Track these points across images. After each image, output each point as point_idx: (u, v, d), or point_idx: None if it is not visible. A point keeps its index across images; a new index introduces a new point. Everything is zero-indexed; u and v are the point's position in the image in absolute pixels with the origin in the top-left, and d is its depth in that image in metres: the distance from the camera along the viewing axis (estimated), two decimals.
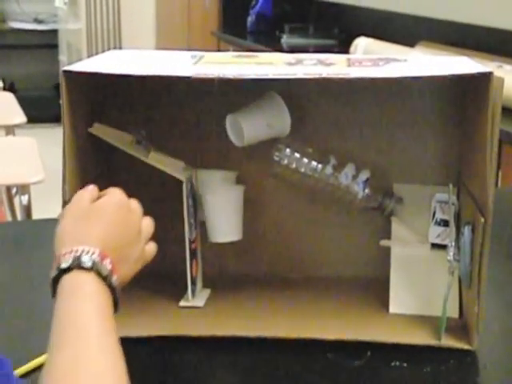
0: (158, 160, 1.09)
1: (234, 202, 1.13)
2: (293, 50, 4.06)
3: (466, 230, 1.02)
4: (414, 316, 1.07)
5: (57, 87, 5.72)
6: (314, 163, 1.12)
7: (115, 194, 0.89)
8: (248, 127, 1.11)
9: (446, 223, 1.08)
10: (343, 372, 0.96)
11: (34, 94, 6.18)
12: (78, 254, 0.80)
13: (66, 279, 0.80)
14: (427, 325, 1.04)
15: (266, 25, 4.73)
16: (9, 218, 2.78)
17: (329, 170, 1.12)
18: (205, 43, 4.99)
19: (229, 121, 1.13)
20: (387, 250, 1.13)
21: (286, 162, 1.12)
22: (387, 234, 1.14)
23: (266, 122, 1.12)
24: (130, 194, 1.20)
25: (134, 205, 0.90)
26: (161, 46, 5.92)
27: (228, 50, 4.45)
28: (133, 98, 1.18)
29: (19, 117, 3.24)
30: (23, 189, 2.59)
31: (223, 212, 1.12)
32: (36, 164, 2.54)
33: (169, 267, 1.19)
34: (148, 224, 0.91)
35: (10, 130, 3.27)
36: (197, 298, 1.11)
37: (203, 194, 1.12)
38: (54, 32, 6.39)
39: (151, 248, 0.92)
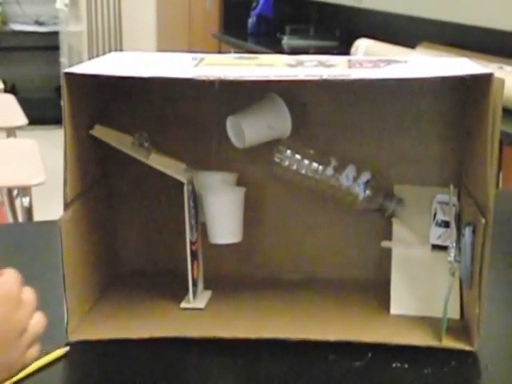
0: (158, 162, 1.09)
1: (235, 203, 1.13)
2: (294, 51, 4.06)
3: (467, 231, 1.02)
4: (415, 317, 1.07)
5: (58, 89, 5.71)
6: (314, 165, 1.12)
7: (8, 279, 0.72)
8: (249, 129, 1.11)
9: (446, 224, 1.08)
10: (344, 373, 0.96)
11: (35, 96, 6.19)
12: None
13: None
14: (428, 326, 1.04)
15: (266, 26, 4.73)
16: (10, 220, 2.78)
17: (330, 171, 1.13)
18: (206, 45, 4.99)
19: (230, 122, 1.13)
20: (388, 252, 1.13)
21: (286, 163, 1.13)
22: (388, 236, 1.14)
23: (266, 124, 1.12)
24: (131, 196, 1.21)
25: (27, 297, 0.73)
26: (162, 47, 5.92)
27: (229, 52, 4.45)
28: (134, 100, 1.18)
29: (20, 119, 3.24)
30: (24, 191, 2.59)
31: (224, 214, 1.12)
32: (37, 166, 2.54)
33: (170, 269, 1.20)
34: (38, 322, 0.74)
35: (11, 131, 3.27)
36: (198, 299, 1.11)
37: (204, 195, 1.13)
38: (55, 34, 6.39)
39: (33, 353, 0.74)
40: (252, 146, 1.13)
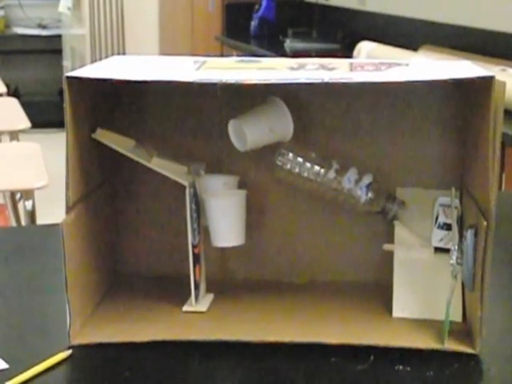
0: (160, 165, 1.09)
1: (237, 206, 1.13)
2: (296, 54, 4.06)
3: (469, 234, 1.02)
4: (418, 320, 1.07)
5: (61, 92, 5.73)
6: (316, 168, 1.12)
7: None
8: (251, 132, 1.11)
9: (448, 227, 1.08)
10: (347, 376, 0.96)
11: (38, 99, 6.20)
12: None
13: None
14: (430, 329, 1.04)
15: (269, 29, 4.74)
16: (13, 223, 2.78)
17: (331, 174, 1.13)
18: (208, 48, 5.00)
19: (231, 126, 1.13)
20: (390, 254, 1.13)
21: (288, 166, 1.13)
22: (390, 238, 1.14)
23: (268, 127, 1.12)
24: (133, 199, 1.21)
25: None
26: (164, 50, 5.93)
27: (231, 55, 4.46)
28: (136, 103, 1.18)
29: (23, 122, 3.25)
30: (27, 194, 2.59)
31: (226, 217, 1.12)
32: (40, 169, 2.54)
33: (172, 272, 1.20)
34: None
35: (14, 135, 3.27)
36: (200, 302, 1.11)
37: (206, 198, 1.13)
38: (58, 37, 6.40)
39: None
40: (254, 149, 1.13)
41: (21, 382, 0.92)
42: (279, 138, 1.13)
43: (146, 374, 0.96)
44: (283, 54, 4.04)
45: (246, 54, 4.19)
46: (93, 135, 1.08)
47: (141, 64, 1.11)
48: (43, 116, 5.52)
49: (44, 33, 6.45)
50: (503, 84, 0.95)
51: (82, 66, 1.11)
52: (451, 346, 1.00)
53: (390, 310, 1.09)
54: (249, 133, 1.11)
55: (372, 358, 0.99)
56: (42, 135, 4.78)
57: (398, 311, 1.09)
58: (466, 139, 1.12)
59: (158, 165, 1.09)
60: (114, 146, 1.10)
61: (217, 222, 1.13)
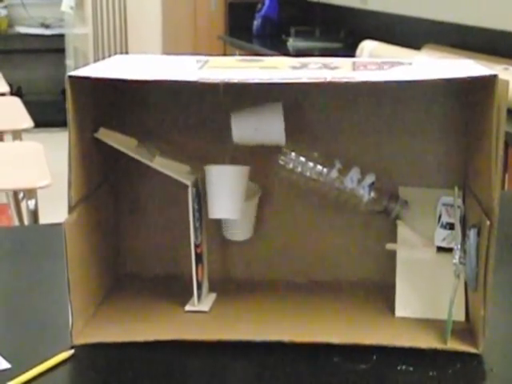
0: (163, 164, 1.09)
1: (237, 179, 1.11)
2: (299, 53, 4.06)
3: (472, 233, 1.01)
4: (420, 319, 1.07)
5: (64, 92, 5.73)
6: (319, 167, 1.12)
7: None
8: (237, 126, 1.11)
9: (451, 226, 1.08)
10: (349, 376, 0.96)
11: (40, 99, 6.21)
12: None
13: None
14: (433, 328, 1.04)
15: (272, 28, 4.74)
16: (16, 223, 2.79)
17: (334, 173, 1.12)
18: (211, 47, 5.00)
19: (231, 119, 1.13)
20: (393, 254, 1.12)
21: (291, 166, 1.12)
22: (393, 238, 1.14)
23: (254, 126, 1.11)
24: (135, 199, 1.21)
25: None
26: (167, 50, 5.94)
27: (234, 54, 4.46)
28: (138, 102, 1.18)
29: (26, 121, 3.25)
30: (30, 193, 2.59)
31: (224, 187, 1.10)
32: (43, 168, 2.54)
33: (174, 272, 1.20)
34: None
35: (17, 134, 3.28)
36: (202, 302, 1.11)
37: (207, 168, 1.11)
38: (61, 36, 6.41)
39: None
40: (244, 144, 1.12)
41: (23, 381, 0.92)
42: (270, 140, 1.12)
43: (149, 373, 0.96)
44: (286, 53, 4.04)
45: (249, 53, 4.19)
46: (95, 135, 1.08)
47: (143, 63, 1.11)
48: (46, 115, 5.52)
49: (47, 32, 6.46)
50: (506, 83, 0.95)
51: (84, 65, 1.11)
52: (454, 345, 1.00)
53: (392, 309, 1.09)
54: (235, 127, 1.10)
55: (374, 357, 0.98)
56: (45, 135, 4.79)
57: (400, 311, 1.09)
58: (469, 138, 1.12)
59: (161, 164, 1.09)
60: (116, 146, 1.10)
61: (215, 192, 1.11)
